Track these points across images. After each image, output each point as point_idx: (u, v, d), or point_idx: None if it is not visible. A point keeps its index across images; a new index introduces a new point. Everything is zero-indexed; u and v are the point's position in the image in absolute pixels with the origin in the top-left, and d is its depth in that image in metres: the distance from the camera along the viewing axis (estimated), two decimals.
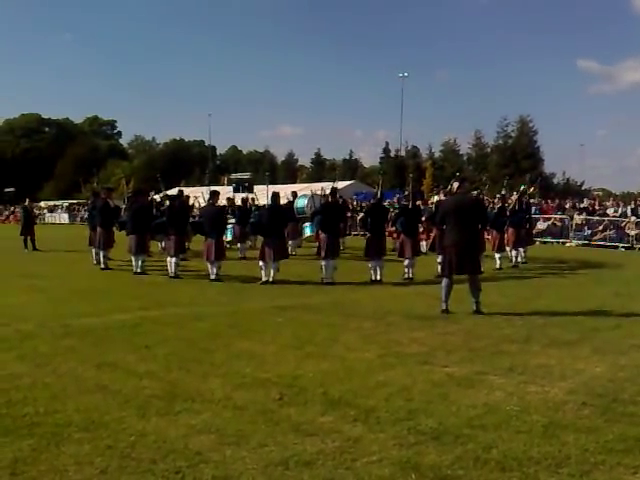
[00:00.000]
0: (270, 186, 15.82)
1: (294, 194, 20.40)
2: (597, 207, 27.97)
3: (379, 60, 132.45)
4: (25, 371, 5.82)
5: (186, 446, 4.04)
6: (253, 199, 20.89)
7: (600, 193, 49.13)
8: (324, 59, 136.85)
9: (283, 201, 20.79)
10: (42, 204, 61.85)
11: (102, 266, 15.03)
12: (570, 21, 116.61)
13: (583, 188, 52.30)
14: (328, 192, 14.28)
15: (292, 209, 19.36)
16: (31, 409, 4.73)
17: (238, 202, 20.87)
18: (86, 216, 22.21)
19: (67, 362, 6.15)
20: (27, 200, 23.47)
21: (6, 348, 6.73)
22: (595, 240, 24.49)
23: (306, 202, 18.78)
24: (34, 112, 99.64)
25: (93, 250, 15.94)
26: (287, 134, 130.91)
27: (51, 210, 58.27)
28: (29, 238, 21.34)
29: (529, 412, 4.68)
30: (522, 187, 17.76)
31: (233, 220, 18.33)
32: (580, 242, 24.90)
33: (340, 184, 35.45)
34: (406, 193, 15.59)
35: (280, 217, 12.86)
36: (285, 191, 22.70)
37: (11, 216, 52.71)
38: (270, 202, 12.95)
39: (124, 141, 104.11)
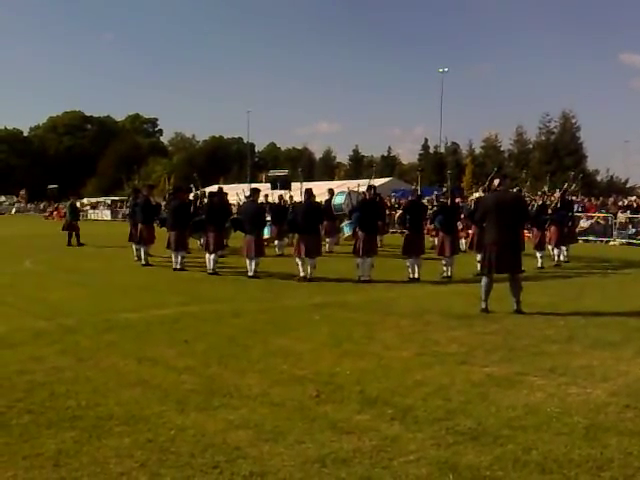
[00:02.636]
0: (307, 183, 15.85)
1: (331, 191, 20.37)
2: None
3: (417, 55, 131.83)
4: (67, 365, 5.94)
5: (224, 441, 4.07)
6: (291, 196, 20.91)
7: None
8: (362, 55, 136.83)
9: (321, 199, 20.97)
10: (85, 201, 63.13)
11: (143, 262, 15.26)
12: (612, 15, 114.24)
13: (628, 185, 51.15)
14: (365, 189, 14.21)
15: (327, 206, 19.37)
16: (73, 402, 4.83)
17: (272, 199, 20.96)
18: (127, 212, 22.55)
19: (108, 356, 6.26)
20: (71, 197, 24.04)
21: (49, 342, 6.88)
22: (639, 239, 23.92)
23: (344, 199, 18.74)
24: (77, 109, 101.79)
25: (134, 246, 16.19)
26: (325, 131, 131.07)
27: (93, 207, 59.37)
28: (74, 233, 21.77)
29: (570, 414, 4.60)
30: (566, 184, 17.41)
31: (269, 217, 18.36)
32: (624, 241, 24.35)
33: (378, 181, 35.40)
34: (444, 190, 15.43)
35: (314, 214, 12.88)
36: (322, 188, 22.68)
37: (54, 212, 53.81)
38: (304, 199, 13.02)
39: (165, 139, 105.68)
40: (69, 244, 21.42)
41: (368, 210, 12.85)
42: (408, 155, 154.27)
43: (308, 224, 12.56)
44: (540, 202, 16.37)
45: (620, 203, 28.66)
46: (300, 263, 12.42)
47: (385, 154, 68.02)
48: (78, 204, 28.30)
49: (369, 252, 12.44)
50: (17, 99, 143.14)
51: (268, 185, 31.55)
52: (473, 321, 8.20)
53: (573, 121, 50.40)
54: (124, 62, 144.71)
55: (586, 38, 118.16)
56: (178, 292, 10.97)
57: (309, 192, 13.06)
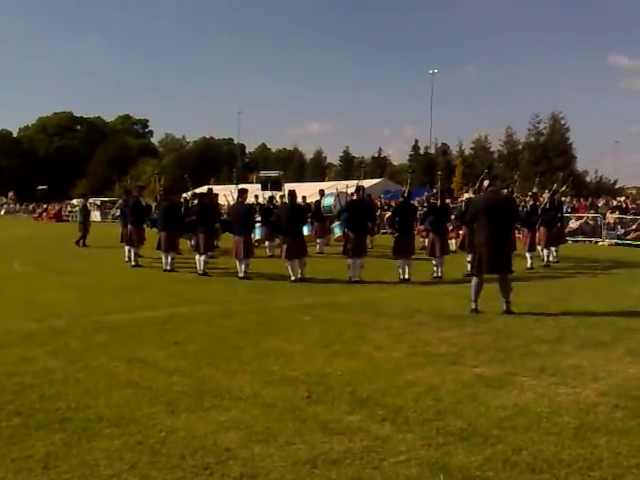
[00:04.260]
0: (297, 184, 15.87)
1: (322, 192, 20.38)
2: (631, 205, 27.45)
3: (407, 56, 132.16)
4: (57, 366, 5.92)
5: (215, 442, 4.07)
6: (282, 196, 20.86)
7: (634, 191, 48.26)
8: (352, 56, 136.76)
9: (312, 199, 20.98)
10: (74, 202, 62.77)
11: (132, 263, 15.22)
12: (599, 16, 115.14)
13: (617, 186, 51.41)
14: (354, 190, 14.22)
15: (317, 207, 19.40)
16: (63, 404, 4.81)
17: (261, 200, 20.96)
18: (118, 214, 22.56)
19: (98, 358, 6.23)
20: (83, 199, 24.54)
21: (39, 344, 6.85)
22: (628, 239, 24.07)
23: (332, 201, 18.77)
24: (67, 110, 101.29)
25: (126, 247, 16.14)
26: (315, 131, 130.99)
27: None
28: (84, 234, 21.78)
29: (560, 414, 4.62)
30: (555, 185, 17.49)
31: (259, 218, 18.32)
32: (613, 241, 24.47)
33: (368, 182, 35.33)
34: (434, 191, 15.48)
35: (297, 216, 12.88)
36: (312, 189, 22.67)
37: (44, 213, 53.49)
38: (287, 200, 13.04)
39: (155, 140, 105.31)
40: (84, 245, 21.44)
41: (357, 211, 12.86)
42: (398, 156, 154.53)
43: (291, 226, 12.56)
44: (531, 203, 16.45)
45: (609, 203, 28.81)
46: (290, 267, 12.42)
47: (376, 155, 68.14)
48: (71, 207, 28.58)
49: (359, 253, 12.46)
50: (6, 100, 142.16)
51: (258, 186, 31.37)
52: (463, 321, 8.23)
53: (562, 122, 50.60)
54: (114, 63, 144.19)
55: (574, 39, 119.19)
56: (168, 293, 10.95)
57: (292, 194, 13.07)
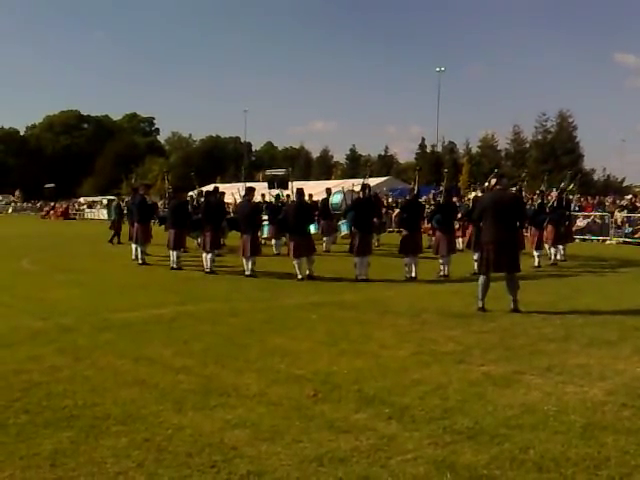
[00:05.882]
0: (303, 182, 15.87)
1: (328, 190, 20.37)
2: (638, 204, 27.32)
3: (413, 54, 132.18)
4: (65, 364, 5.93)
5: (221, 440, 4.07)
6: (288, 195, 20.86)
7: None
8: (358, 54, 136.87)
9: (318, 198, 20.99)
10: (81, 200, 63.07)
11: (139, 261, 15.25)
12: (605, 14, 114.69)
13: (624, 185, 51.25)
14: (359, 188, 14.19)
15: (324, 205, 19.41)
16: (70, 402, 4.83)
17: (267, 198, 20.98)
18: (125, 212, 22.73)
19: (106, 356, 6.25)
20: (116, 197, 25.62)
21: (46, 341, 6.87)
22: (636, 238, 23.95)
23: (341, 198, 18.76)
24: (73, 109, 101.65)
25: (133, 245, 16.18)
26: (321, 129, 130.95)
27: (90, 206, 59.24)
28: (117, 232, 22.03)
29: (567, 412, 4.60)
30: (563, 184, 17.42)
31: (266, 217, 18.33)
32: (620, 240, 24.38)
33: (375, 180, 35.31)
34: (441, 189, 15.44)
35: (304, 213, 12.89)
36: (318, 187, 22.61)
37: (51, 212, 53.71)
38: (295, 198, 13.05)
39: (162, 138, 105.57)
40: (111, 242, 21.67)
41: (363, 209, 12.83)
42: (404, 154, 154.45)
43: (299, 224, 12.57)
44: (538, 201, 16.39)
45: (617, 202, 28.70)
46: (297, 265, 12.42)
47: (382, 153, 68.11)
48: (78, 205, 29.12)
49: (365, 251, 12.43)
50: (13, 98, 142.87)
51: (265, 184, 31.36)
52: (470, 320, 8.21)
53: (570, 120, 50.50)
54: (120, 61, 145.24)
55: (581, 38, 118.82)
56: (175, 291, 10.97)
57: (300, 192, 13.08)
